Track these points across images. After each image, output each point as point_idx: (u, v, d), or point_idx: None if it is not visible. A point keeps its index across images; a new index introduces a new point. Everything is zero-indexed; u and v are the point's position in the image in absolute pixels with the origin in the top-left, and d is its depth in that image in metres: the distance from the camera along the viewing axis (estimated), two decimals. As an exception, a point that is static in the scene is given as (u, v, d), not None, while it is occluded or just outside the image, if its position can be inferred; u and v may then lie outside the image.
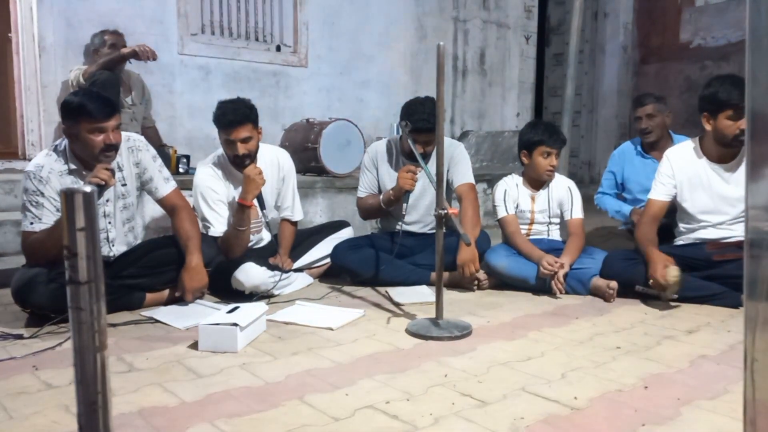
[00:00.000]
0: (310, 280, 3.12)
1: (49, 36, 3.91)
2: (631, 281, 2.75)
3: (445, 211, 2.28)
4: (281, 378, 1.86)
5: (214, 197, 2.90)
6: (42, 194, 2.41)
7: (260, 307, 2.32)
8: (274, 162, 3.07)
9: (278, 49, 5.01)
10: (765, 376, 0.93)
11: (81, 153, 2.47)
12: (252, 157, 2.86)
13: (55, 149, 2.51)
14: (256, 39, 4.92)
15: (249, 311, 2.23)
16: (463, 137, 6.13)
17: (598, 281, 2.80)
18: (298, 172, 4.34)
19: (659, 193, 2.84)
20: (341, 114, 4.85)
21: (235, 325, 2.07)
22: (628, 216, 3.44)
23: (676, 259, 2.61)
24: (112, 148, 2.47)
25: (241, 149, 2.81)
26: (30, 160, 2.95)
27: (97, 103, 2.39)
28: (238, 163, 2.87)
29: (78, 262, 0.51)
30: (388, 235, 3.20)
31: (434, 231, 3.00)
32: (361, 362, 2.00)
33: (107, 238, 2.61)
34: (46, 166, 2.45)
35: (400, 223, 3.01)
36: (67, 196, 0.53)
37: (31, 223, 2.41)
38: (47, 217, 2.42)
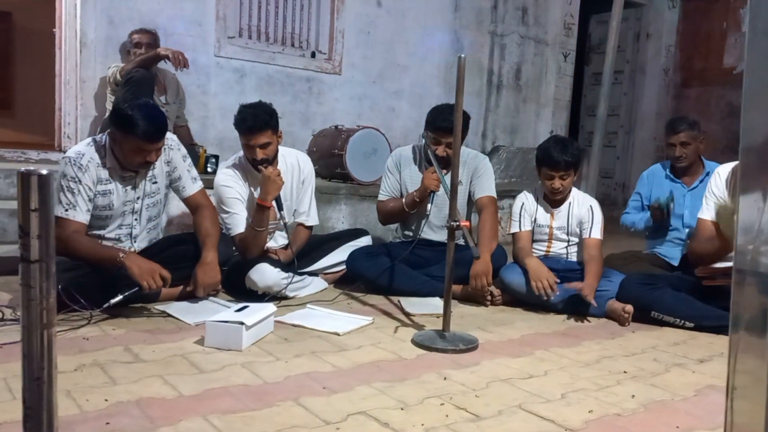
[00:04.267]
0: (325, 285, 3.13)
1: (90, 32, 4.03)
2: (648, 306, 2.69)
3: (457, 223, 2.27)
4: (280, 379, 1.88)
5: (233, 197, 2.94)
6: (79, 181, 2.47)
7: (269, 308, 2.35)
8: (294, 166, 3.11)
9: (313, 55, 5.06)
10: (744, 404, 0.91)
11: (118, 155, 2.54)
12: (270, 161, 2.90)
13: (96, 143, 2.57)
14: (292, 45, 4.99)
15: (257, 311, 2.26)
16: (494, 152, 6.09)
17: (614, 304, 2.75)
18: (323, 177, 4.40)
19: (711, 214, 2.69)
20: (372, 122, 4.87)
21: (241, 323, 2.10)
22: (649, 217, 3.37)
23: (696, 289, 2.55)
24: (149, 165, 2.56)
25: (260, 154, 2.85)
26: (65, 152, 3.03)
27: (148, 127, 2.42)
28: (256, 166, 2.91)
29: (30, 241, 0.53)
30: (406, 244, 3.20)
31: (457, 240, 3.01)
32: (361, 369, 2.01)
33: (130, 234, 2.67)
34: (87, 155, 2.52)
35: (423, 221, 3.03)
36: (23, 177, 0.55)
37: (66, 210, 2.46)
38: (81, 205, 2.48)
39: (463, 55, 2.19)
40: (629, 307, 2.67)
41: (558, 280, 2.76)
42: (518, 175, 5.95)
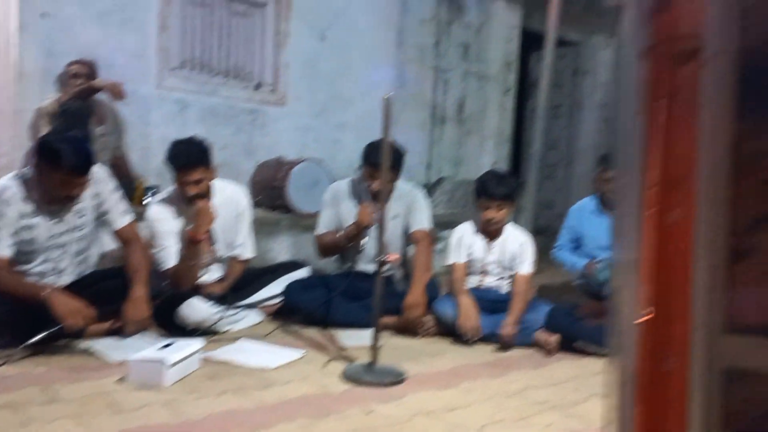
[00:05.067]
0: (260, 318, 3.11)
1: (28, 63, 3.97)
2: (574, 335, 2.77)
3: (385, 258, 2.32)
4: (201, 417, 1.87)
5: (165, 230, 2.93)
6: (2, 216, 2.43)
7: (196, 343, 2.33)
8: (230, 199, 3.12)
9: (257, 87, 5.10)
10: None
11: (43, 187, 2.49)
12: (203, 195, 2.90)
13: (22, 176, 2.53)
14: (235, 77, 5.01)
15: (183, 347, 2.23)
16: (437, 183, 6.20)
17: (541, 335, 2.82)
18: (266, 208, 4.40)
19: None
20: (317, 154, 4.91)
21: (163, 360, 2.08)
22: (583, 269, 3.47)
23: None
24: (73, 198, 2.53)
25: (192, 190, 2.86)
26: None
27: (74, 160, 2.40)
28: (190, 200, 2.91)
29: None
30: (344, 275, 3.22)
31: (391, 273, 3.05)
32: (286, 405, 2.01)
33: (55, 269, 2.61)
34: (11, 188, 2.48)
35: (359, 254, 3.07)
36: None
37: None
38: (5, 239, 2.43)
39: (388, 95, 2.26)
40: (555, 338, 2.75)
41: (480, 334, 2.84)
42: (461, 206, 6.05)
